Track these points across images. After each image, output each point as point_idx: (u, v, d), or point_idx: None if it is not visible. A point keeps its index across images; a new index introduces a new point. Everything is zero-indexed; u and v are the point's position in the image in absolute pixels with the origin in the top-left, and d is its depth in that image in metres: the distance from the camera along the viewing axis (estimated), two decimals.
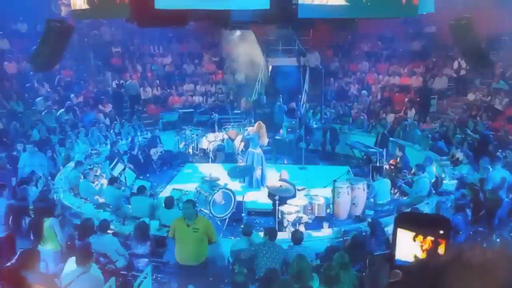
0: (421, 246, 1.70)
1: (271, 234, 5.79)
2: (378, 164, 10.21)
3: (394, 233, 1.78)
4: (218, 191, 8.16)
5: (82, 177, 8.92)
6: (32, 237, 6.21)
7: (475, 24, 6.23)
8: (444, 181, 9.11)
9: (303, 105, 15.76)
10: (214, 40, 19.27)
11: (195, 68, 18.32)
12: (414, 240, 1.71)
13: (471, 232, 7.27)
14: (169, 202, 7.24)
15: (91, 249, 5.21)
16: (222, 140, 12.95)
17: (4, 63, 14.27)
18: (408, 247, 1.72)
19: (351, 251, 6.17)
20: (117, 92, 15.25)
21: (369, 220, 7.02)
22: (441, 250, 1.64)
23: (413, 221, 1.77)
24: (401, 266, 1.70)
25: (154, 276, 5.78)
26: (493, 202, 7.65)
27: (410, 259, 1.71)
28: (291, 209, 7.66)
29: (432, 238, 1.67)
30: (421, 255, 1.67)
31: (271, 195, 8.31)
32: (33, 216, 6.45)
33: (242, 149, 11.78)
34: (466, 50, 6.37)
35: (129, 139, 12.28)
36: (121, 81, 15.45)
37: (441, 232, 1.64)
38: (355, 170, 11.75)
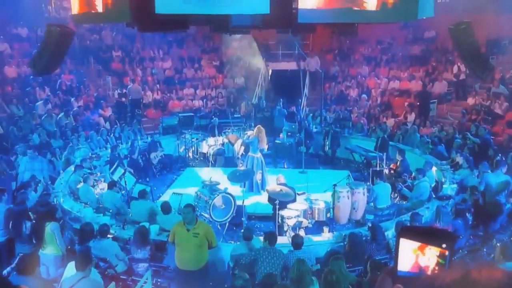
0: (424, 257, 1.70)
1: (271, 238, 5.77)
2: (378, 168, 10.20)
3: (397, 245, 1.78)
4: (218, 195, 8.15)
5: (82, 181, 8.91)
6: (34, 242, 6.20)
7: (474, 28, 6.24)
8: (444, 186, 9.10)
9: (303, 109, 15.79)
10: (214, 45, 19.37)
11: (195, 72, 18.36)
12: (417, 251, 1.71)
13: (471, 237, 7.26)
14: (166, 208, 7.21)
15: (91, 253, 5.20)
16: (222, 144, 12.94)
17: (5, 67, 14.29)
18: (411, 258, 1.72)
19: (350, 252, 6.17)
20: (120, 99, 15.27)
21: (369, 224, 7.01)
22: (444, 262, 1.64)
23: (416, 233, 1.78)
24: (403, 277, 1.70)
25: (154, 281, 5.76)
26: (493, 207, 7.63)
27: (413, 270, 1.70)
28: (291, 214, 7.64)
29: (435, 249, 1.67)
30: (426, 269, 1.67)
31: (271, 200, 8.30)
32: (35, 221, 6.44)
33: (242, 153, 11.78)
34: (465, 54, 6.37)
35: (129, 143, 12.27)
36: (124, 90, 15.43)
37: (444, 246, 1.66)
38: (355, 174, 11.75)
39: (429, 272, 1.68)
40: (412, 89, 15.91)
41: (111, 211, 7.89)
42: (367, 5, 5.21)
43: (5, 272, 5.15)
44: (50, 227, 5.97)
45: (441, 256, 1.69)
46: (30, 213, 7.05)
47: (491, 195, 7.85)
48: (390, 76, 17.13)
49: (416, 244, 1.73)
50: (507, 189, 7.85)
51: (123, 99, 15.20)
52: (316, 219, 7.96)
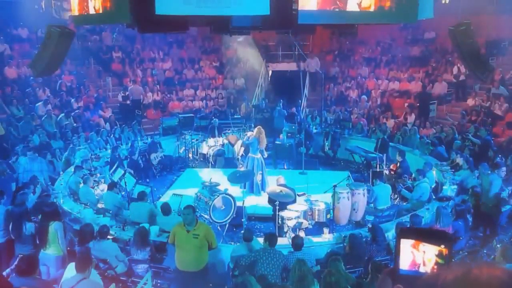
0: (424, 257, 1.72)
1: (271, 240, 5.76)
2: (378, 169, 10.21)
3: (397, 245, 1.81)
4: (218, 196, 8.15)
5: (82, 183, 8.90)
6: (37, 242, 6.20)
7: (474, 29, 6.25)
8: (444, 187, 9.10)
9: (303, 110, 15.80)
10: (214, 46, 19.39)
11: (195, 73, 18.37)
12: (417, 251, 1.73)
13: (471, 238, 7.26)
14: (166, 209, 7.21)
15: (90, 255, 5.19)
16: (222, 145, 12.95)
17: (5, 68, 14.28)
18: (412, 257, 1.74)
19: (350, 253, 6.16)
20: (125, 102, 15.21)
21: (369, 225, 7.00)
22: (443, 262, 1.66)
23: (415, 234, 1.81)
24: (404, 277, 1.71)
25: (154, 282, 5.76)
26: (489, 208, 7.62)
27: (414, 269, 1.72)
28: (291, 215, 7.64)
29: (435, 249, 1.69)
30: (426, 268, 1.68)
31: (271, 201, 8.29)
32: (39, 221, 6.45)
33: (242, 154, 11.78)
34: (465, 55, 6.37)
35: (129, 144, 12.27)
36: (127, 93, 15.35)
37: (442, 246, 1.68)
38: (355, 175, 11.76)
39: (429, 271, 1.70)
40: (412, 90, 15.91)
41: (111, 212, 7.88)
42: (367, 6, 5.21)
43: (5, 273, 5.14)
44: (54, 227, 5.97)
45: (440, 256, 1.71)
46: (30, 214, 7.04)
47: (486, 197, 7.84)
48: (390, 77, 17.14)
49: (416, 244, 1.75)
50: (492, 190, 7.79)
51: (128, 102, 15.12)
52: (316, 220, 7.95)
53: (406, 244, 1.79)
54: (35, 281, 4.53)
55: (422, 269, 1.76)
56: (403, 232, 1.93)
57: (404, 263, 1.80)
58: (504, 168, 8.48)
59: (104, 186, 9.11)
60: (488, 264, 1.14)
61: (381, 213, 8.40)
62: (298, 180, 10.60)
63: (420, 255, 1.77)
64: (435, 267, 1.72)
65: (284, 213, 7.71)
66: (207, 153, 12.78)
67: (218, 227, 8.13)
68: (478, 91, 14.56)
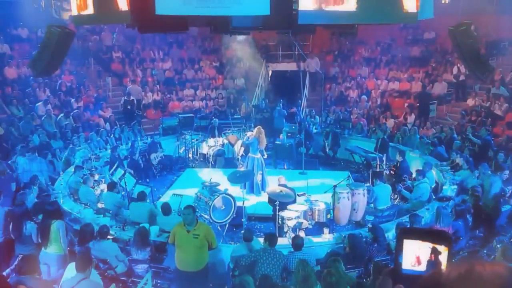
0: (426, 256, 1.73)
1: (271, 240, 5.76)
2: (378, 170, 10.20)
3: (397, 245, 1.82)
4: (218, 196, 8.15)
5: (82, 183, 8.90)
6: (40, 241, 6.20)
7: (474, 29, 6.26)
8: (444, 187, 9.10)
9: (303, 110, 15.81)
10: (214, 46, 19.38)
11: (195, 73, 18.36)
12: (419, 250, 1.74)
13: (471, 238, 7.26)
14: (166, 209, 7.21)
15: (90, 255, 5.19)
16: (222, 145, 12.94)
17: (5, 68, 14.27)
18: (414, 257, 1.75)
19: (350, 253, 6.16)
20: (126, 107, 15.11)
21: (369, 225, 7.00)
22: (443, 259, 1.67)
23: (415, 234, 1.83)
24: (406, 277, 1.72)
25: (154, 282, 5.76)
26: (491, 209, 7.62)
27: (417, 268, 1.73)
28: (292, 215, 7.64)
29: (435, 248, 1.70)
30: (428, 267, 1.69)
31: (271, 201, 8.29)
32: (42, 219, 6.45)
33: (242, 154, 11.78)
34: (465, 55, 6.37)
35: (129, 144, 12.26)
36: (131, 97, 15.15)
37: (442, 245, 1.69)
38: (355, 175, 11.76)
39: (431, 270, 1.71)
40: (411, 90, 15.92)
41: (111, 212, 7.88)
42: (367, 7, 5.21)
43: (5, 273, 5.15)
44: (56, 225, 5.98)
45: (441, 255, 1.72)
46: (31, 214, 7.04)
47: (486, 197, 7.85)
48: (389, 77, 17.14)
49: (417, 243, 1.76)
50: (492, 191, 7.79)
51: (128, 107, 15.01)
52: (316, 220, 7.95)
53: (406, 244, 1.80)
54: (36, 281, 4.53)
55: (422, 269, 1.77)
56: (403, 232, 1.94)
57: (405, 263, 1.81)
58: (507, 172, 8.49)
59: (104, 186, 9.10)
60: (490, 263, 1.15)
61: (381, 213, 8.40)
62: (298, 180, 10.59)
63: (420, 255, 1.77)
64: (437, 266, 1.73)
65: (284, 213, 7.70)
66: (207, 153, 12.77)
67: (218, 227, 8.13)
68: (478, 91, 14.56)
